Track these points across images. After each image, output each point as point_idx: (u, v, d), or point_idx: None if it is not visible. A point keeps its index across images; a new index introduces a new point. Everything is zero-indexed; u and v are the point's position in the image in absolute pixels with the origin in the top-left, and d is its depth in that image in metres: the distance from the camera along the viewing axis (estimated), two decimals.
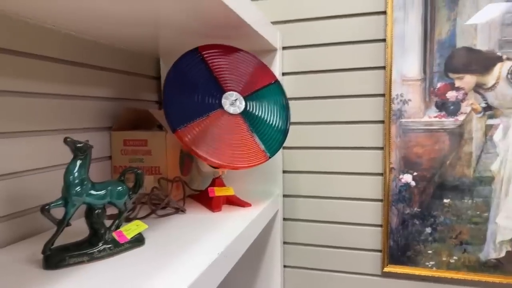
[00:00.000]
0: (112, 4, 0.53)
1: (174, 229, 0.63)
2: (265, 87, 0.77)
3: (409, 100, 0.86)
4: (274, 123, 0.75)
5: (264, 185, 0.91)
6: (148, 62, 0.95)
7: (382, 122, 0.89)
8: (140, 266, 0.48)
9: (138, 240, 0.55)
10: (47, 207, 0.47)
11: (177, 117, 0.65)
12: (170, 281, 0.43)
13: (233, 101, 0.71)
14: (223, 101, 0.70)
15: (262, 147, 0.71)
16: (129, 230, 0.55)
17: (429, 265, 0.88)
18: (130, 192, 0.55)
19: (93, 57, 0.76)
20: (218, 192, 0.76)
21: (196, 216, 0.70)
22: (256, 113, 0.74)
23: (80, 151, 0.49)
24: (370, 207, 0.91)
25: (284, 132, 0.75)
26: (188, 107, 0.66)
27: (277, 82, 0.79)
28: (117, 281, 0.44)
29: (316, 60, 0.92)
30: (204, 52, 0.72)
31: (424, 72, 0.85)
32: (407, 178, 0.88)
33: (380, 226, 0.91)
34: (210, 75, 0.71)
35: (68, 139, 0.49)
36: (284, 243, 0.97)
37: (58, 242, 0.51)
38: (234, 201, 0.78)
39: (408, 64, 0.85)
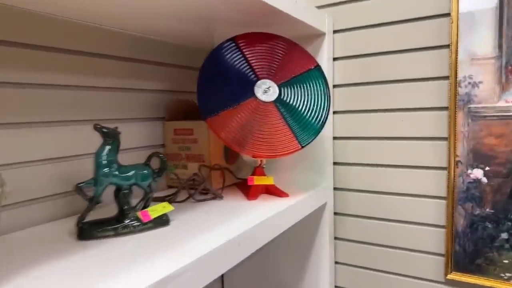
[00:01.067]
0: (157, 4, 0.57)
1: (202, 213, 0.65)
2: (304, 73, 0.74)
3: (480, 82, 0.74)
4: (311, 112, 0.71)
5: (311, 176, 0.88)
6: (201, 55, 0.99)
7: (446, 108, 0.78)
8: (152, 244, 0.51)
9: (163, 221, 0.59)
10: (79, 185, 0.53)
11: (208, 105, 0.67)
12: (166, 261, 0.45)
13: (266, 89, 0.70)
14: (256, 89, 0.70)
15: (295, 136, 0.69)
16: (154, 210, 0.59)
17: (505, 277, 0.74)
18: (155, 175, 0.58)
19: (150, 53, 0.82)
20: (257, 181, 0.76)
21: (231, 203, 0.71)
22: (291, 101, 0.71)
23: (108, 136, 0.54)
24: (432, 205, 0.81)
25: (322, 121, 0.71)
26: (220, 95, 0.68)
27: (317, 67, 0.75)
28: (123, 255, 0.47)
29: (370, 42, 0.85)
30: (240, 41, 0.72)
31: (500, 48, 0.72)
32: (477, 173, 0.76)
33: (443, 227, 0.80)
34: (245, 64, 0.71)
35: (98, 126, 0.54)
36: (336, 238, 0.93)
37: (94, 218, 0.58)
38: (272, 191, 0.77)
39: (478, 40, 0.73)
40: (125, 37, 0.77)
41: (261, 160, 0.78)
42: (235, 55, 0.71)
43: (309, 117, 0.71)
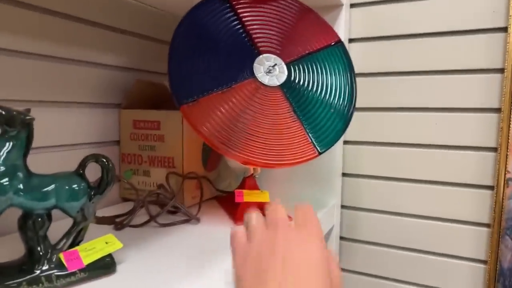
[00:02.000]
0: None
1: (169, 249, 0.43)
2: (320, 51, 0.53)
3: None
4: (330, 103, 0.51)
5: (315, 191, 0.67)
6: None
7: (498, 110, 0.60)
8: None
9: (104, 266, 0.36)
10: None
11: (184, 86, 0.44)
12: None
13: (271, 68, 0.49)
14: (256, 66, 0.49)
15: (310, 137, 0.48)
16: (91, 250, 0.36)
17: None
18: (92, 192, 0.35)
19: (104, 14, 0.58)
20: (248, 197, 0.55)
21: (212, 230, 0.50)
22: (305, 87, 0.51)
23: (10, 124, 0.31)
24: (469, 234, 0.63)
25: (346, 118, 0.51)
26: (201, 73, 0.46)
27: (339, 44, 0.54)
28: None
29: (397, 20, 0.65)
30: None
31: None
32: None
33: (484, 262, 0.62)
34: (241, 30, 0.50)
35: None
36: (342, 270, 0.73)
37: None
38: None
39: None
40: None
41: (254, 169, 0.57)
42: (226, 16, 0.49)
43: (328, 111, 0.50)
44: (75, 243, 0.36)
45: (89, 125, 0.58)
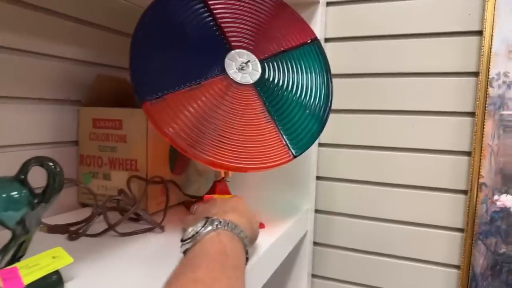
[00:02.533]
0: None
1: (130, 261, 0.38)
2: (296, 48, 0.50)
3: None
4: (306, 104, 0.48)
5: (288, 195, 0.64)
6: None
7: (472, 114, 0.60)
8: None
9: (49, 286, 0.31)
10: None
11: (148, 81, 0.40)
12: None
13: (243, 64, 0.46)
14: (227, 62, 0.45)
15: (285, 139, 0.45)
16: (34, 267, 0.31)
17: None
18: (36, 201, 0.31)
19: (64, 2, 0.53)
20: None
21: (177, 239, 0.45)
22: (279, 86, 0.48)
23: None
24: (444, 239, 0.62)
25: (322, 119, 0.49)
26: (169, 67, 0.42)
27: (316, 41, 0.52)
28: None
29: (373, 21, 0.64)
30: None
31: None
32: (506, 200, 0.58)
33: (457, 267, 0.62)
34: (212, 23, 0.46)
35: None
36: (313, 276, 0.71)
37: None
38: None
39: None
40: None
41: (225, 172, 0.53)
42: (196, 8, 0.45)
43: (303, 112, 0.47)
44: (15, 258, 0.31)
45: (44, 123, 0.53)
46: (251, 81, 0.46)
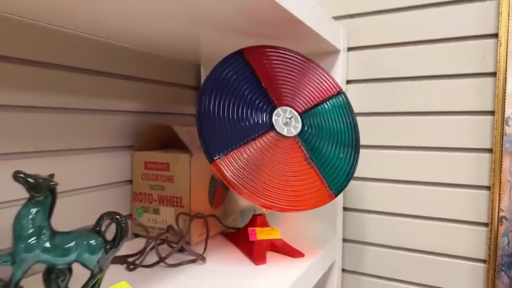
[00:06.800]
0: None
1: None
2: (326, 101, 0.57)
3: None
4: (339, 149, 0.55)
5: (317, 226, 0.70)
6: (186, 69, 0.81)
7: (490, 151, 0.63)
8: None
9: None
10: None
11: (215, 141, 0.48)
12: None
13: (287, 120, 0.53)
14: (275, 118, 0.53)
15: (325, 181, 0.52)
16: None
17: None
18: (108, 247, 0.39)
19: (116, 64, 0.63)
20: (261, 234, 0.58)
21: (219, 270, 0.53)
22: (316, 136, 0.55)
23: (36, 190, 0.35)
24: (467, 270, 0.65)
25: (353, 161, 0.55)
26: (229, 127, 0.50)
27: (342, 93, 0.59)
28: None
29: (393, 64, 0.69)
30: (251, 55, 0.55)
31: None
32: None
33: None
34: (258, 85, 0.54)
35: (20, 175, 0.35)
36: None
37: None
38: (280, 248, 0.60)
39: None
40: (79, 40, 0.59)
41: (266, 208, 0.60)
42: (245, 73, 0.53)
43: (337, 156, 0.54)
44: None
45: (105, 166, 0.63)
46: (294, 133, 0.53)
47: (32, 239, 0.35)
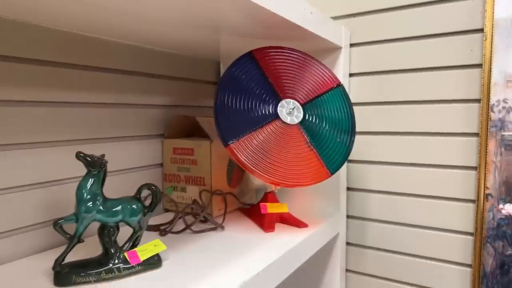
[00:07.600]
0: (165, 10, 0.50)
1: (201, 250, 0.57)
2: (326, 93, 0.66)
3: None
4: (336, 134, 0.64)
5: (322, 203, 0.80)
6: (207, 66, 0.92)
7: (477, 135, 0.70)
8: None
9: (154, 262, 0.51)
10: (59, 222, 0.46)
11: (229, 129, 0.59)
12: None
13: (291, 110, 0.63)
14: (279, 109, 0.63)
15: (323, 162, 0.61)
16: (144, 250, 0.51)
17: None
18: (146, 211, 0.51)
19: (148, 65, 0.75)
20: (271, 208, 0.68)
21: (234, 236, 0.64)
22: (316, 123, 0.64)
23: (92, 166, 0.47)
24: (457, 242, 0.73)
25: (348, 144, 0.64)
26: (241, 117, 0.60)
27: (340, 86, 0.67)
28: None
29: (391, 58, 0.77)
30: (258, 56, 0.65)
31: None
32: (510, 209, 0.67)
33: (470, 266, 0.72)
34: (265, 81, 0.64)
35: (80, 154, 0.47)
36: (347, 271, 0.85)
37: (75, 257, 0.51)
38: (288, 220, 0.70)
39: None
40: (120, 47, 0.70)
41: (275, 186, 0.71)
42: (254, 71, 0.64)
43: (335, 140, 0.64)
44: (134, 245, 0.52)
45: (141, 152, 0.75)
46: (297, 122, 0.63)
47: (90, 203, 0.47)
